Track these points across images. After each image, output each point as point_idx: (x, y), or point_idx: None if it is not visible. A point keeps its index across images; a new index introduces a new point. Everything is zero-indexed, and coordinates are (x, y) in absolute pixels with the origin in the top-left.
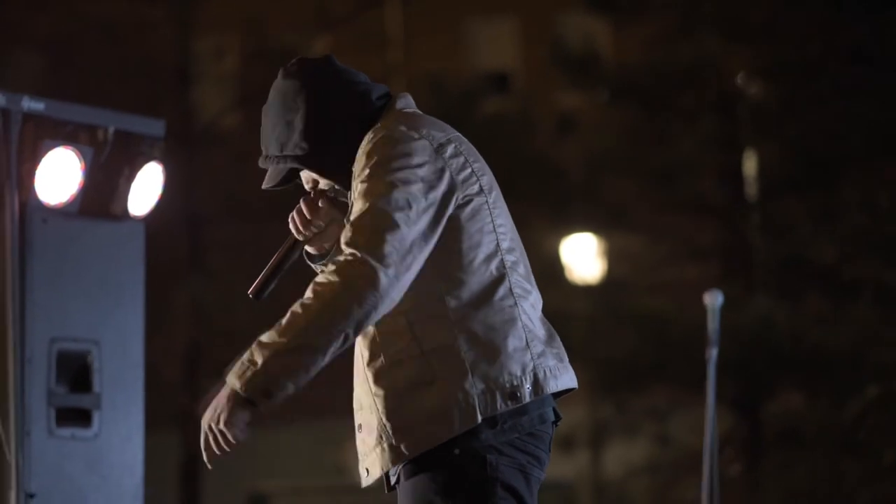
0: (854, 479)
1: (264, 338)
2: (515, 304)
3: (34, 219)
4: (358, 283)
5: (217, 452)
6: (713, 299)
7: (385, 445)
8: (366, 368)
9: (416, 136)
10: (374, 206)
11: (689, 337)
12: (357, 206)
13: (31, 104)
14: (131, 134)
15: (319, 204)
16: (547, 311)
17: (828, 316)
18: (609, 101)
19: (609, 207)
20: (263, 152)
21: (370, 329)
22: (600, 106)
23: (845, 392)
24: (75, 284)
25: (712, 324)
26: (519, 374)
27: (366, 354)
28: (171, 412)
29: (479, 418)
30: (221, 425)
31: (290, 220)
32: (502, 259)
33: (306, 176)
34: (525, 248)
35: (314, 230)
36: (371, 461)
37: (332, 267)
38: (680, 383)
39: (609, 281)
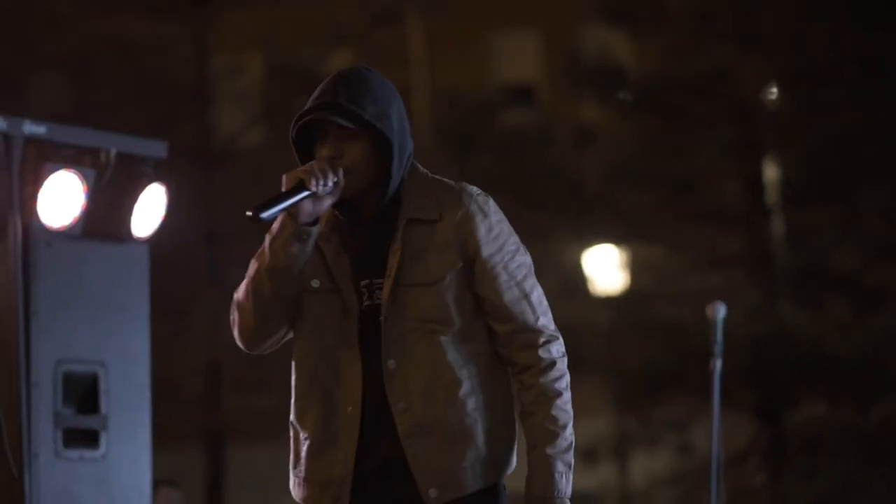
0: (880, 486)
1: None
2: None
3: (38, 242)
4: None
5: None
6: (716, 312)
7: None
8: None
9: None
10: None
11: (711, 346)
12: (527, 283)
13: (32, 128)
14: (133, 156)
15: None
16: (568, 324)
17: (849, 323)
18: (628, 112)
19: (630, 218)
20: (352, 104)
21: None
22: (620, 117)
23: (868, 399)
24: (80, 307)
25: (716, 336)
26: None
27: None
28: (192, 429)
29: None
30: None
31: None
32: None
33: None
34: (545, 260)
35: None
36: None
37: (553, 358)
38: (701, 393)
39: (631, 292)
